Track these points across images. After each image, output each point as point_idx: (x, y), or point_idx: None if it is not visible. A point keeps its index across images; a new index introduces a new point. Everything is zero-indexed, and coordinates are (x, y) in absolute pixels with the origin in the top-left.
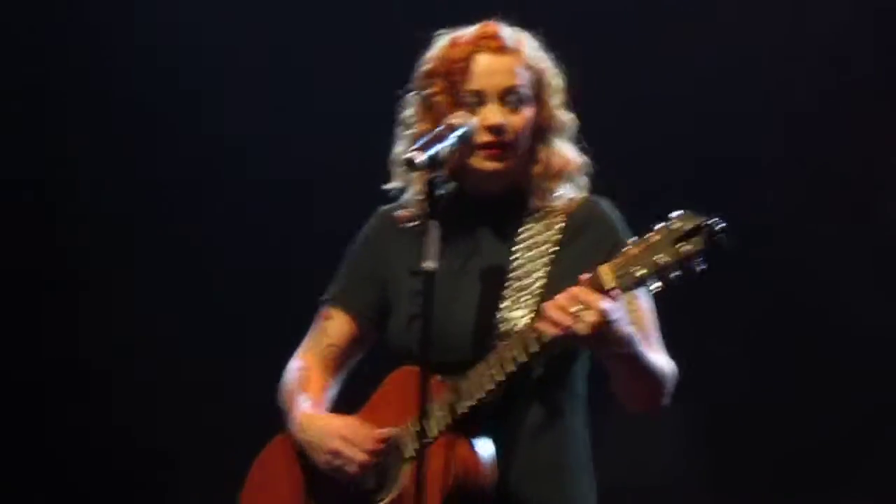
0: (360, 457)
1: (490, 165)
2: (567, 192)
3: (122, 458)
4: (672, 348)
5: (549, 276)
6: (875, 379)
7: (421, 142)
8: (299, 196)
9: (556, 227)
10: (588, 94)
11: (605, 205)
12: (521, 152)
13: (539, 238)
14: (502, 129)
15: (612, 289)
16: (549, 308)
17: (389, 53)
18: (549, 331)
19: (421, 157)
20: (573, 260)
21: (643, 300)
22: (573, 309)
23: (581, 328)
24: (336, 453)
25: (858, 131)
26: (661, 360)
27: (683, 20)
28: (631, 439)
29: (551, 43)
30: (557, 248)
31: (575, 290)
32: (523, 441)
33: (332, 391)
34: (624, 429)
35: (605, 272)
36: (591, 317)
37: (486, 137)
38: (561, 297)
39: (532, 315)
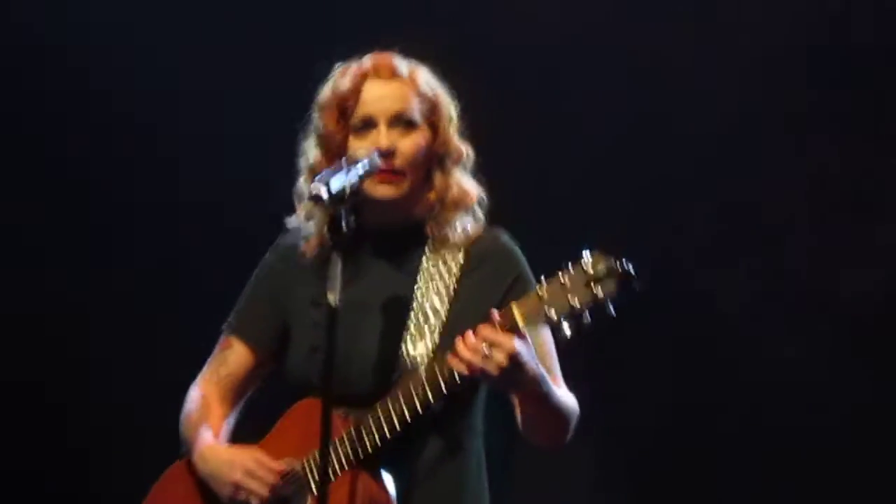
0: (262, 490)
1: (383, 190)
2: (466, 223)
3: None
4: (581, 382)
5: (451, 308)
6: (790, 412)
7: (322, 176)
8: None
9: (456, 258)
10: (486, 125)
11: (505, 237)
12: (416, 179)
13: (440, 269)
14: (392, 154)
15: (522, 328)
16: (460, 347)
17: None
18: (459, 369)
19: (324, 193)
20: (474, 292)
21: (543, 333)
22: (483, 348)
23: (491, 368)
24: (238, 485)
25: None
26: (565, 395)
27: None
28: (542, 476)
29: (448, 74)
30: (458, 280)
31: (485, 329)
32: (423, 474)
33: (231, 420)
34: (537, 464)
35: (518, 311)
36: (500, 357)
37: (379, 160)
38: (470, 336)
39: (434, 349)
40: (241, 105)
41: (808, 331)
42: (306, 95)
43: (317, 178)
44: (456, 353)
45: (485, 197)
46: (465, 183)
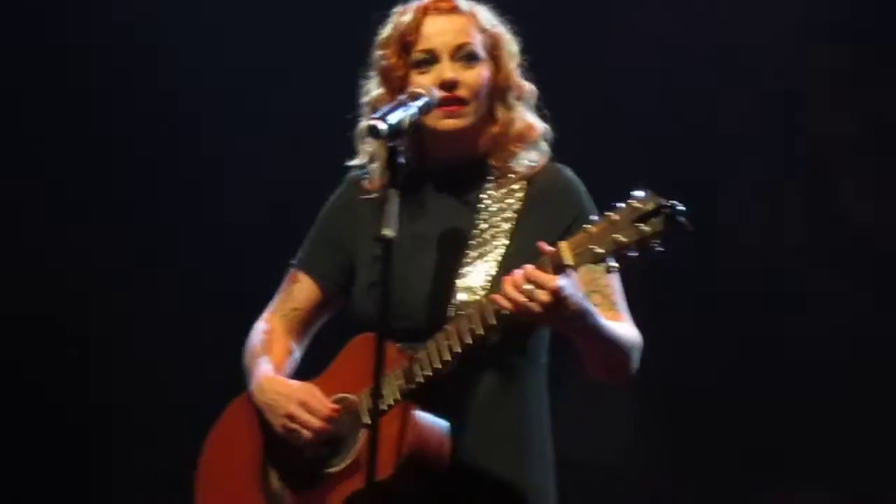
0: (315, 422)
1: (447, 123)
2: (529, 158)
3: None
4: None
5: (511, 242)
6: (833, 371)
7: (382, 111)
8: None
9: (518, 193)
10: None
11: (568, 172)
12: (480, 112)
13: (501, 204)
14: (455, 85)
15: (570, 266)
16: (505, 284)
17: None
18: (505, 306)
19: (382, 126)
20: (535, 227)
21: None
22: (527, 287)
23: (534, 307)
24: (292, 417)
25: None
26: (626, 329)
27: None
28: (589, 414)
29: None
30: (519, 214)
31: (529, 268)
32: (480, 410)
33: (297, 355)
34: (582, 404)
35: (565, 249)
36: (543, 296)
37: (440, 95)
38: (516, 275)
39: (492, 282)
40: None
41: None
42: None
43: (375, 113)
44: (502, 292)
45: (550, 131)
46: (530, 118)
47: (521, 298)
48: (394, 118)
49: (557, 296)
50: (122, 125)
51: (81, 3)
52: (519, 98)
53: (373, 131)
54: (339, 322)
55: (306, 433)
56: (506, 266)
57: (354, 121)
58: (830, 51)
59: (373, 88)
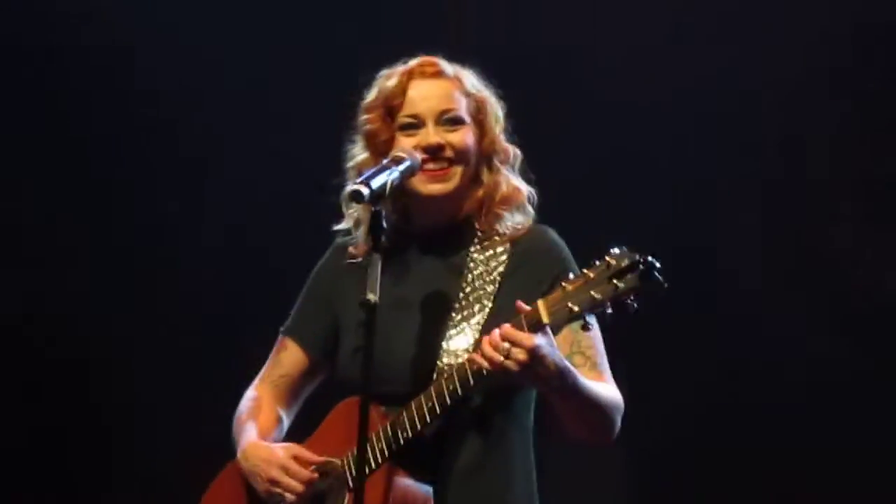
0: (296, 486)
1: (434, 188)
2: (514, 220)
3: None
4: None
5: (494, 305)
6: (813, 426)
7: (365, 175)
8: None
9: (503, 255)
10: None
11: (551, 234)
12: (466, 175)
13: (486, 267)
14: (441, 148)
15: (546, 323)
16: (483, 344)
17: None
18: (482, 364)
19: (365, 190)
20: (518, 288)
21: (593, 329)
22: (504, 345)
23: (510, 365)
24: (274, 481)
25: None
26: (608, 390)
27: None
28: (583, 477)
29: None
30: (502, 276)
31: (506, 327)
32: (464, 473)
33: (285, 422)
34: (575, 467)
35: (541, 307)
36: (520, 355)
37: (422, 157)
38: (493, 334)
39: (474, 347)
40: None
41: (830, 328)
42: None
43: (359, 177)
44: (480, 351)
45: (535, 194)
46: (515, 181)
47: (498, 357)
48: (377, 183)
49: (533, 354)
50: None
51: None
52: (504, 161)
53: (356, 196)
54: (331, 386)
55: (289, 496)
56: (488, 329)
57: (340, 185)
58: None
59: (357, 152)
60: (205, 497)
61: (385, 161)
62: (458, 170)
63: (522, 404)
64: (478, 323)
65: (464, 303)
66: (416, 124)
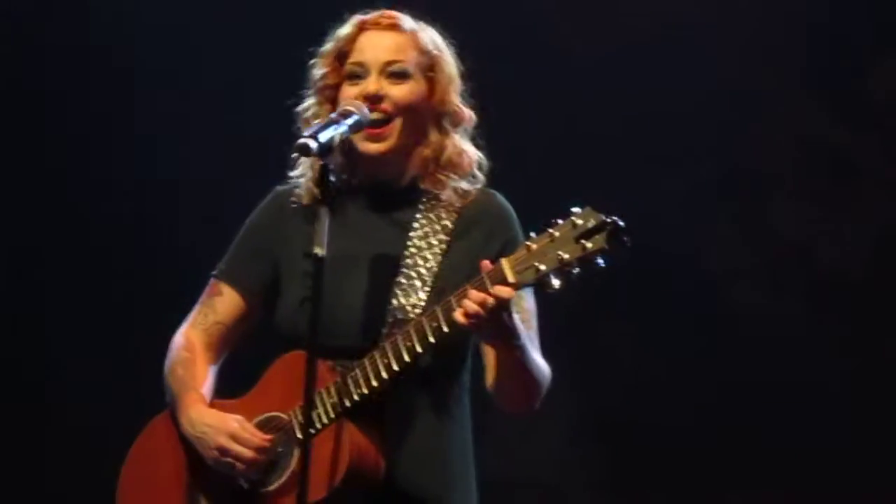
0: (247, 454)
1: (370, 147)
2: (462, 185)
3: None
4: (563, 342)
5: (441, 266)
6: (763, 375)
7: (313, 128)
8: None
9: (450, 218)
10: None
11: (499, 199)
12: (406, 132)
13: (433, 227)
14: (379, 99)
15: (513, 283)
16: (457, 298)
17: None
18: (458, 319)
19: (312, 143)
20: (465, 252)
21: (529, 300)
22: (479, 299)
23: (483, 317)
24: (223, 450)
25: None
26: (541, 361)
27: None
28: (517, 434)
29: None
30: (450, 238)
31: (481, 280)
32: (408, 429)
33: (215, 369)
34: (510, 423)
35: (507, 266)
36: (493, 306)
37: (371, 115)
38: (469, 287)
39: (424, 304)
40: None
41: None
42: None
43: (307, 130)
44: (450, 304)
45: (485, 161)
46: (464, 145)
47: (473, 309)
48: (324, 136)
49: (506, 309)
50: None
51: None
52: (455, 124)
53: (303, 149)
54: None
55: (239, 465)
56: (437, 288)
57: (292, 134)
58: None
59: (309, 100)
60: (135, 446)
61: (334, 115)
62: (396, 126)
63: (466, 361)
64: (425, 280)
65: (410, 261)
66: (360, 73)
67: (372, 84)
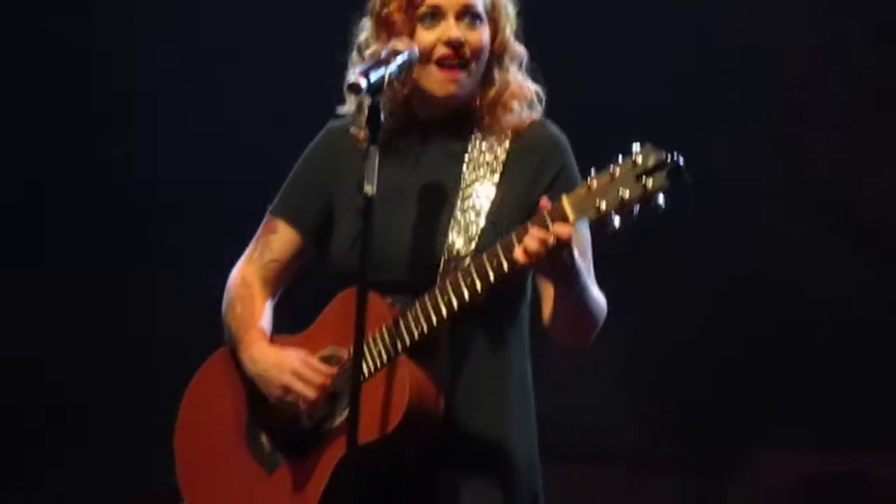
0: (311, 393)
1: (448, 88)
2: (523, 115)
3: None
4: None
5: (496, 195)
6: (804, 329)
7: (363, 67)
8: None
9: (504, 144)
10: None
11: (553, 128)
12: (478, 76)
13: (487, 156)
14: (461, 44)
15: (574, 220)
16: (517, 236)
17: None
18: (519, 258)
19: (363, 82)
20: (519, 181)
21: (583, 230)
22: (540, 237)
23: (546, 256)
24: (287, 388)
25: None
26: (598, 294)
27: None
28: (570, 373)
29: None
30: (503, 168)
31: (541, 218)
32: (467, 366)
33: (272, 305)
34: (562, 363)
35: (568, 204)
36: (555, 246)
37: (443, 51)
38: (530, 226)
39: (478, 237)
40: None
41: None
42: None
43: (358, 68)
44: (513, 243)
45: (542, 94)
46: (522, 80)
47: (535, 247)
48: (375, 75)
49: (568, 248)
50: None
51: None
52: (514, 61)
53: (354, 88)
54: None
55: (303, 403)
56: (493, 217)
57: (343, 66)
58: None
59: (366, 37)
60: (192, 387)
61: (385, 53)
62: (471, 70)
63: (522, 299)
64: (479, 211)
65: (463, 193)
66: (436, 16)
67: (454, 29)
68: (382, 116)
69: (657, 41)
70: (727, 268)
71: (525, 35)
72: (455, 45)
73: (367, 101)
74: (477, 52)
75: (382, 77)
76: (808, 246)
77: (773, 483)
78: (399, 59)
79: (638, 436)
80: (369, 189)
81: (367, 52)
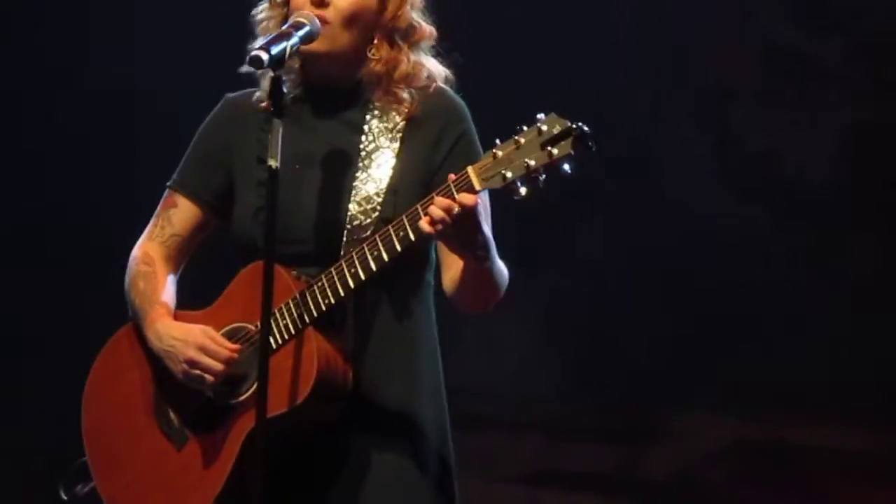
0: (216, 366)
1: (310, 46)
2: (410, 95)
3: None
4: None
5: (395, 166)
6: (723, 290)
7: (265, 40)
8: None
9: (402, 116)
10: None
11: (451, 94)
12: (343, 40)
13: (386, 124)
14: (324, 4)
15: (477, 191)
16: (423, 206)
17: None
18: (424, 227)
19: (264, 56)
20: (418, 148)
21: (483, 197)
22: (445, 206)
23: (451, 226)
24: (192, 363)
25: None
26: (501, 265)
27: None
28: (483, 346)
29: None
30: (402, 137)
31: (447, 188)
32: (374, 335)
33: (175, 280)
34: (478, 334)
35: (473, 173)
36: (459, 214)
37: (308, 9)
38: (436, 196)
39: (381, 206)
40: None
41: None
42: None
43: (259, 42)
44: (416, 212)
45: (451, 76)
46: (424, 60)
47: (440, 216)
48: (276, 49)
49: (474, 218)
50: None
51: None
52: (410, 39)
53: (255, 62)
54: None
55: (209, 377)
56: (394, 186)
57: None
58: None
59: (262, 10)
60: (98, 363)
61: (285, 27)
62: (330, 31)
63: (427, 266)
64: (381, 180)
65: (366, 160)
66: None
67: None
68: (285, 88)
69: (576, 22)
70: (649, 235)
71: (440, 16)
72: (318, 5)
73: (268, 74)
74: (341, 15)
75: (284, 50)
76: (729, 213)
77: (695, 448)
78: (301, 32)
79: (557, 402)
80: (273, 162)
81: (260, 18)
